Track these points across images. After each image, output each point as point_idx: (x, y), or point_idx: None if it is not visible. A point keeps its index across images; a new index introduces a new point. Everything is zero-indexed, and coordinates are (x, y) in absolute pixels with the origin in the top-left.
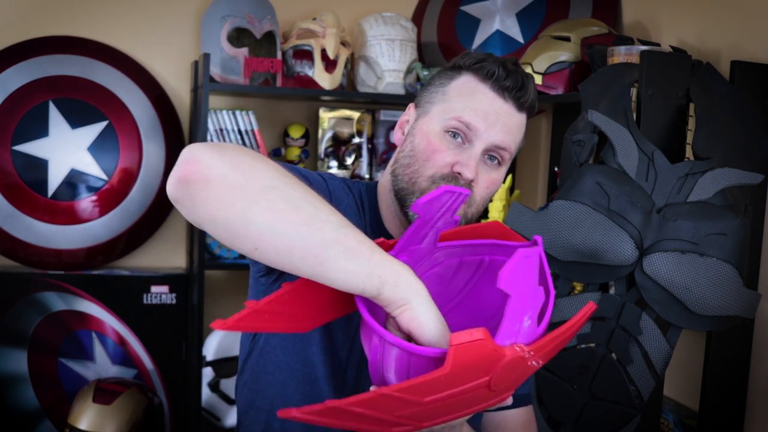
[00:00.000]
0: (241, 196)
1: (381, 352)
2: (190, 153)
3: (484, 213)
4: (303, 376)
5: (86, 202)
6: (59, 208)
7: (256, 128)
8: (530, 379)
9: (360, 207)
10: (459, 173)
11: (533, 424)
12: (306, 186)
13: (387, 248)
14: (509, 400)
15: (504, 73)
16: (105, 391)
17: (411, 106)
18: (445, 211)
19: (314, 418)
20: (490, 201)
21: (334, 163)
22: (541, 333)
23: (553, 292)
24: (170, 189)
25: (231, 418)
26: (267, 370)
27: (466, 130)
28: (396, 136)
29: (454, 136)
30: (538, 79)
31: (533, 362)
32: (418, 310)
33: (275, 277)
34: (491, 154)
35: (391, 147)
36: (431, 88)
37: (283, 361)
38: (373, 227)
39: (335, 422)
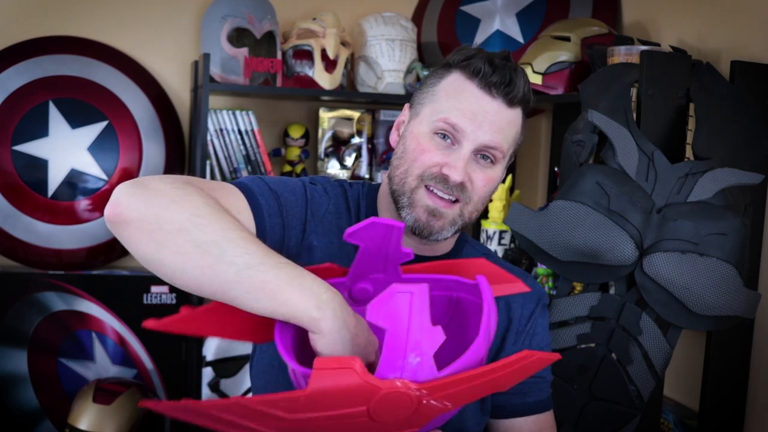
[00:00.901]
0: (153, 238)
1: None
2: (115, 195)
3: (484, 213)
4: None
5: (86, 202)
6: (59, 208)
7: (256, 128)
8: (543, 385)
9: (350, 210)
10: (447, 175)
11: None
12: (224, 223)
13: (340, 273)
14: None
15: (490, 69)
16: (105, 391)
17: (406, 106)
18: (388, 243)
19: (173, 412)
20: (490, 201)
21: (334, 163)
22: (448, 374)
23: (482, 336)
24: (107, 225)
25: None
26: (263, 368)
27: (453, 132)
28: (392, 138)
29: (444, 137)
30: (538, 79)
31: (434, 402)
32: (318, 342)
33: None
34: (483, 154)
35: (391, 147)
36: (423, 89)
37: (276, 360)
38: None
39: (192, 419)
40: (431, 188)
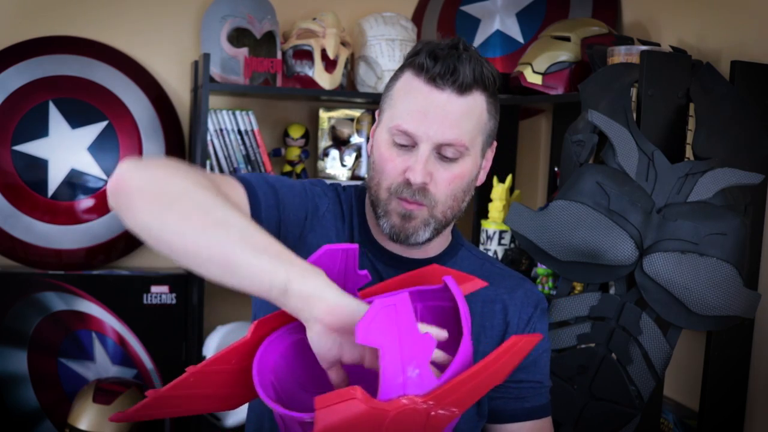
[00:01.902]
0: (157, 202)
1: (280, 419)
2: (118, 169)
3: (484, 213)
4: None
5: (86, 202)
6: (59, 208)
7: (256, 128)
8: (542, 391)
9: (344, 214)
10: (408, 179)
11: None
12: (222, 196)
13: (291, 319)
14: None
15: (432, 62)
16: (105, 391)
17: (377, 113)
18: (345, 267)
19: (139, 412)
20: (490, 201)
21: (334, 163)
22: (448, 378)
23: (467, 334)
24: (108, 201)
25: (231, 418)
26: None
27: (407, 136)
28: (369, 146)
29: (402, 144)
30: (538, 79)
31: (441, 411)
32: (326, 300)
33: None
34: (444, 151)
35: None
36: (384, 93)
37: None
38: (360, 230)
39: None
40: (401, 197)
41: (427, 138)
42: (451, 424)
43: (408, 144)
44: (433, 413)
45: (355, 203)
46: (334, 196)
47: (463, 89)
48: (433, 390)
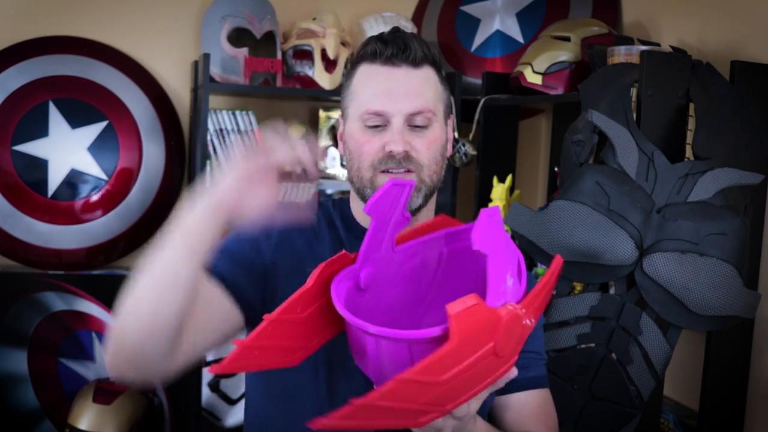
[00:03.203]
0: (129, 356)
1: (377, 351)
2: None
3: None
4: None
5: (86, 202)
6: (59, 208)
7: (256, 128)
8: (540, 362)
9: (329, 223)
10: (390, 150)
11: (547, 410)
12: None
13: (349, 261)
14: (514, 371)
15: (383, 45)
16: (105, 391)
17: (339, 117)
18: (396, 208)
19: (345, 422)
20: (490, 201)
21: (333, 163)
22: (525, 290)
23: (518, 251)
24: (114, 376)
25: (231, 418)
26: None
27: (379, 116)
28: (339, 148)
29: (374, 126)
30: (538, 79)
31: (527, 321)
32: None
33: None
34: (415, 121)
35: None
36: (343, 94)
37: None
38: (347, 233)
39: (364, 423)
40: (385, 170)
41: (397, 111)
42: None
43: (380, 124)
44: (524, 322)
45: (335, 211)
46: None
47: (416, 63)
48: (524, 297)
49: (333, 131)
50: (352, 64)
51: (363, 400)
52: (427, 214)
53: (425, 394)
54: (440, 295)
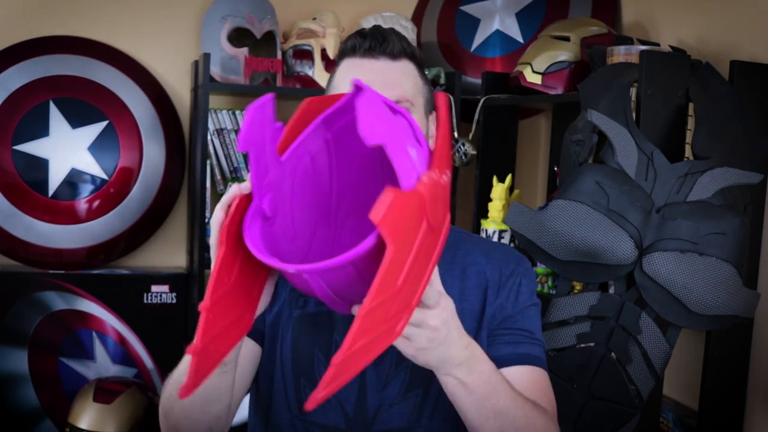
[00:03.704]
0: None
1: (321, 283)
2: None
3: (484, 213)
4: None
5: (87, 201)
6: (60, 207)
7: None
8: (534, 341)
9: None
10: None
11: (540, 387)
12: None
13: (246, 201)
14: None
15: (362, 39)
16: (105, 391)
17: None
18: (265, 126)
19: (333, 384)
20: (490, 200)
21: None
22: (427, 148)
23: (404, 111)
24: None
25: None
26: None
27: None
28: None
29: None
30: (537, 79)
31: (444, 178)
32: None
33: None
34: None
35: None
36: (327, 90)
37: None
38: None
39: (351, 372)
40: None
41: None
42: None
43: None
44: (442, 181)
45: None
46: None
47: (395, 55)
48: (431, 158)
49: None
50: (336, 61)
51: (339, 355)
52: None
53: (390, 308)
54: (346, 181)
